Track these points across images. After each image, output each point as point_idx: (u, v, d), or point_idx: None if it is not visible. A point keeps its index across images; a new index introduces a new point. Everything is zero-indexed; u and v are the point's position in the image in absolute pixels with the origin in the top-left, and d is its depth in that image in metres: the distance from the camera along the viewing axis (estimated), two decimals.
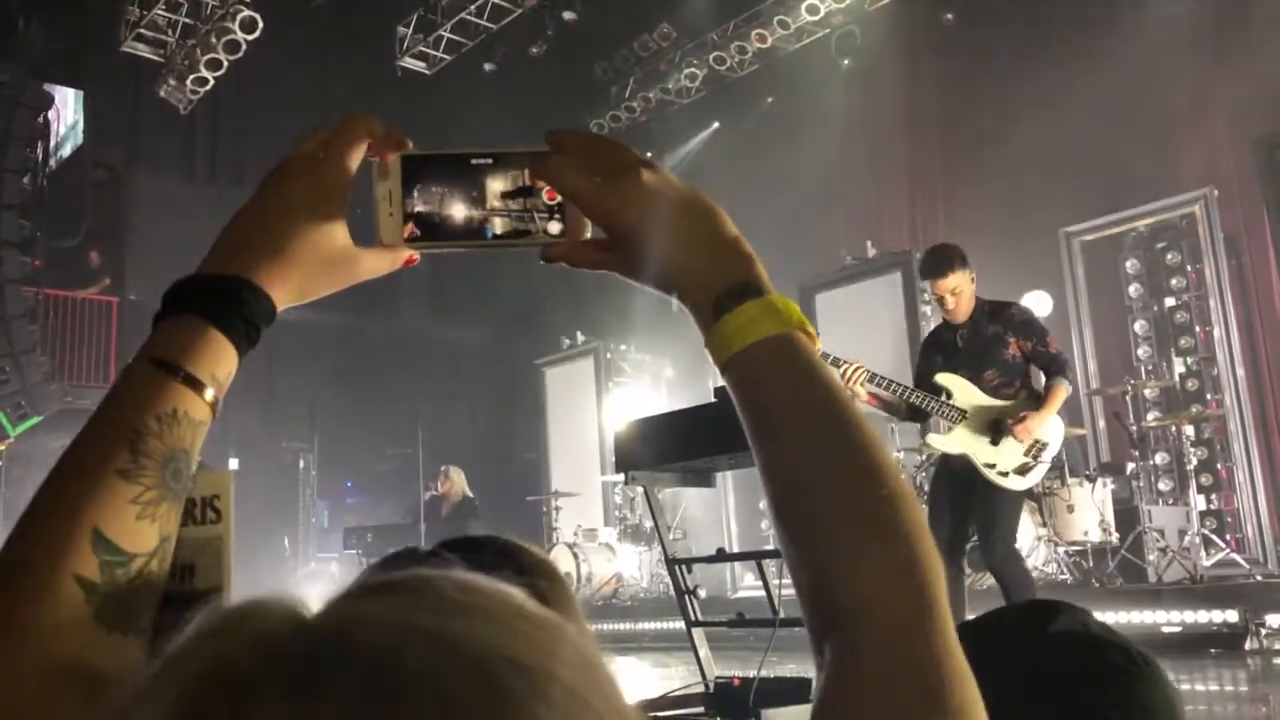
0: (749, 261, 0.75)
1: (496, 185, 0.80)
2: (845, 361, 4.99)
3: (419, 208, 0.79)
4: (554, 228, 0.80)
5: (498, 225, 0.80)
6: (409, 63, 11.38)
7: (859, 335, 6.41)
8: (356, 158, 0.77)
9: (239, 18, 9.93)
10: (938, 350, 5.35)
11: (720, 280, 0.73)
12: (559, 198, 0.79)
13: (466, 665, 0.39)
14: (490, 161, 0.80)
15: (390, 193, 0.79)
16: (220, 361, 0.72)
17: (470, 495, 10.43)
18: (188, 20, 10.33)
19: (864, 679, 0.62)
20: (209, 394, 0.71)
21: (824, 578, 0.66)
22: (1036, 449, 5.01)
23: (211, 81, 10.44)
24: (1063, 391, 5.07)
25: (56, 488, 0.66)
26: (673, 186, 0.76)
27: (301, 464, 13.02)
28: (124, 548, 0.65)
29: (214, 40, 10.12)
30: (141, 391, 0.69)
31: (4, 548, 0.64)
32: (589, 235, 0.79)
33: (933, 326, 5.62)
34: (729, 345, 0.72)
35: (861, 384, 5.01)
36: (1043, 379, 5.27)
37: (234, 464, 11.08)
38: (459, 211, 0.79)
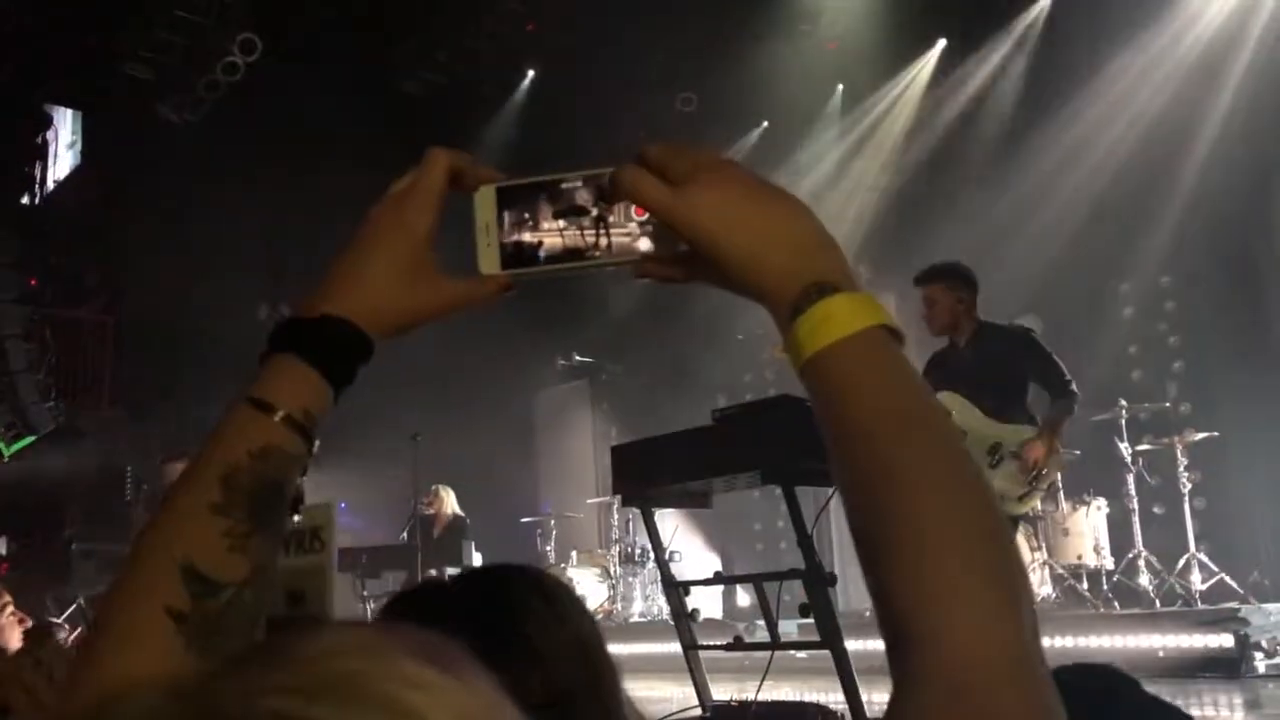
0: (829, 258, 0.71)
1: (587, 207, 0.81)
2: None
3: (515, 236, 0.82)
4: (644, 244, 0.80)
5: (588, 246, 0.81)
6: (408, 85, 11.43)
7: None
8: (439, 193, 0.80)
9: (238, 39, 9.97)
10: (939, 369, 5.35)
11: (796, 280, 0.69)
12: (647, 214, 0.79)
13: None
14: (579, 184, 0.82)
15: (486, 224, 0.82)
16: (315, 399, 0.75)
17: (461, 514, 10.39)
18: (186, 42, 10.37)
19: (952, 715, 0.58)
20: (304, 430, 0.74)
21: (903, 594, 0.61)
22: (1033, 476, 5.00)
23: (210, 103, 10.47)
24: (1068, 416, 5.07)
25: (154, 526, 0.71)
26: (746, 187, 0.73)
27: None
28: (215, 579, 0.68)
29: (212, 62, 10.16)
30: (239, 430, 0.73)
31: (110, 588, 0.70)
32: (681, 249, 0.78)
33: (934, 347, 5.63)
34: (804, 347, 0.68)
35: None
36: (1031, 400, 5.29)
37: None
38: (552, 236, 0.82)
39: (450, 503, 10.38)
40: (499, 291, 0.83)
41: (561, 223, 0.81)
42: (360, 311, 0.77)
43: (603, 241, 0.81)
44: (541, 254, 0.82)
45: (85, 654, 0.67)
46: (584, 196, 0.81)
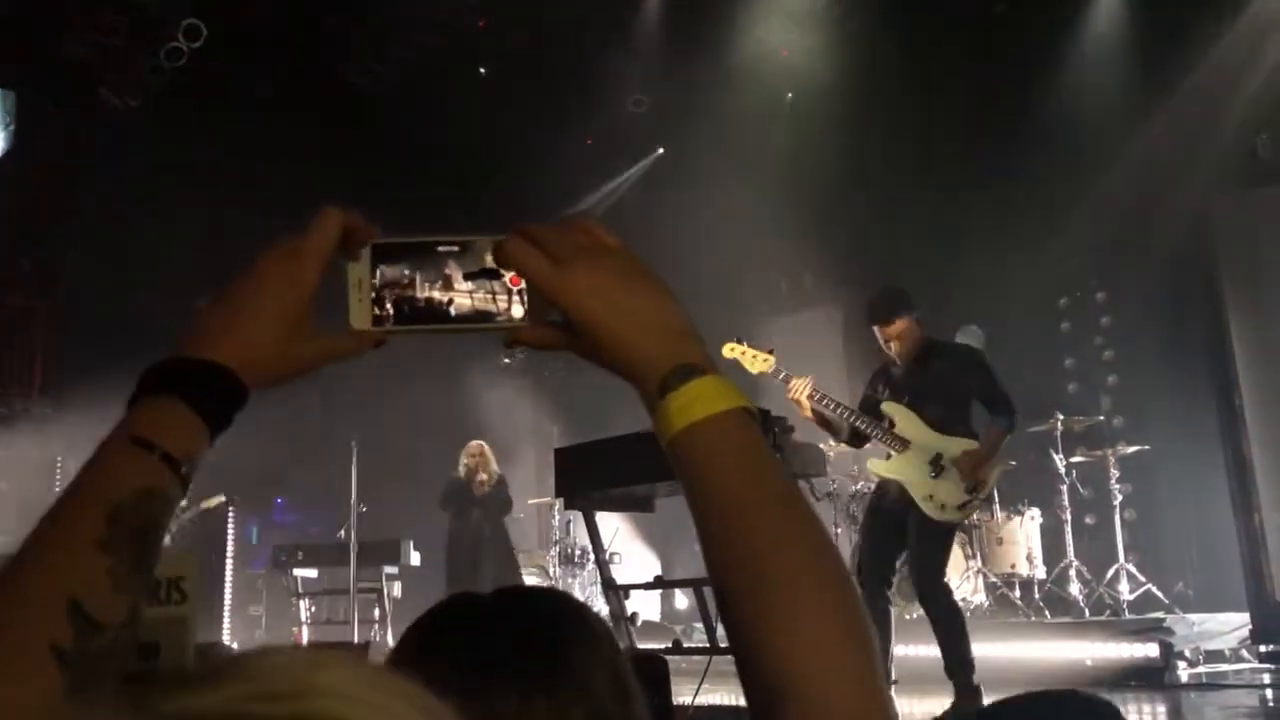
0: (693, 343, 0.77)
1: (461, 271, 0.83)
2: (796, 378, 5.09)
3: (387, 293, 0.83)
4: (517, 311, 0.83)
5: (462, 309, 0.83)
6: (356, 77, 11.30)
7: (800, 365, 6.51)
8: (330, 252, 0.81)
9: (183, 25, 9.79)
10: (883, 381, 5.45)
11: (665, 361, 0.76)
12: (522, 283, 0.82)
13: None
14: (456, 249, 0.83)
15: (360, 280, 0.83)
16: (195, 443, 0.74)
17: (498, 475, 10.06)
18: (130, 24, 10.15)
19: None
20: (183, 472, 0.73)
21: (772, 654, 0.68)
22: (973, 486, 5.10)
23: (152, 88, 10.27)
24: (1004, 434, 5.18)
25: (35, 556, 0.67)
26: (621, 272, 0.78)
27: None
28: (99, 619, 0.66)
29: (156, 46, 9.97)
30: (120, 467, 0.71)
31: None
32: (554, 318, 0.81)
33: (877, 359, 5.70)
34: (674, 422, 0.74)
35: (807, 396, 5.09)
36: (973, 415, 5.37)
37: None
38: (425, 297, 0.83)
39: (492, 461, 10.05)
40: (369, 347, 0.84)
41: (436, 285, 0.83)
42: (241, 361, 0.77)
43: (476, 306, 0.83)
44: (414, 314, 0.83)
45: None
46: (461, 261, 0.83)
